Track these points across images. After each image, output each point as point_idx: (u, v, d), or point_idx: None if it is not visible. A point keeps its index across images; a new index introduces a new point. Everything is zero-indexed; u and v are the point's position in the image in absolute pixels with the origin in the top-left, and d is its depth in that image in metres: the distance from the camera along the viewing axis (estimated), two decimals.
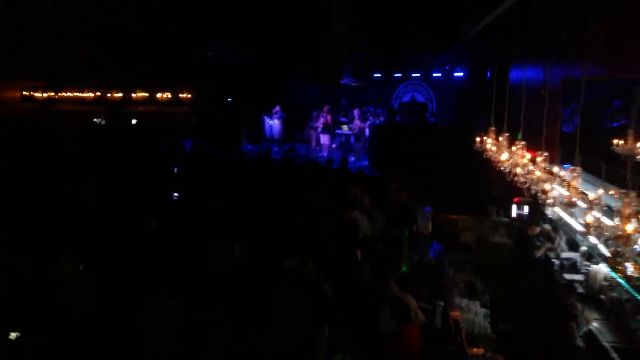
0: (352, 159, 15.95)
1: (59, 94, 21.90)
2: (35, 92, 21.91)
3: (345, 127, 16.92)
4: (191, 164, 12.90)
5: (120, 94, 21.18)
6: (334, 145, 17.09)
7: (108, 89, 21.30)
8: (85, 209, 7.70)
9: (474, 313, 6.77)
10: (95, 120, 20.36)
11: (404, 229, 7.98)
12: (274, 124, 17.95)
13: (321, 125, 16.59)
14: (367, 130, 16.28)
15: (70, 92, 21.80)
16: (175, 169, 12.41)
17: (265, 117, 18.12)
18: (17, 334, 4.40)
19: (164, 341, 4.37)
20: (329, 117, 16.58)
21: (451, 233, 10.25)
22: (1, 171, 10.45)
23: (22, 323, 4.55)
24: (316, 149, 16.96)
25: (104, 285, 5.15)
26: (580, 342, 6.32)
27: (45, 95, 21.94)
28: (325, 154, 16.24)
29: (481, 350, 6.10)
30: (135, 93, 20.95)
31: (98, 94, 21.51)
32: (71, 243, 5.70)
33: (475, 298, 7.32)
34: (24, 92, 21.99)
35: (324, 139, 16.68)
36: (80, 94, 21.76)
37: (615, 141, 7.61)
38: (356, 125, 16.53)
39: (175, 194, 9.69)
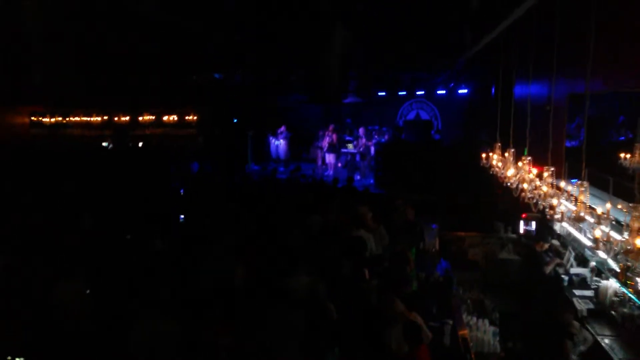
0: (358, 177, 15.94)
1: (67, 119, 22.12)
2: (44, 117, 22.12)
3: (350, 145, 16.97)
4: (197, 186, 12.93)
5: (127, 118, 21.36)
6: (339, 164, 17.12)
7: (115, 113, 21.49)
8: (89, 233, 7.70)
9: (482, 331, 6.69)
10: (104, 144, 20.57)
11: (410, 246, 7.91)
12: (279, 144, 18.04)
13: (327, 145, 16.63)
14: (372, 149, 16.30)
15: (77, 116, 22.00)
16: (182, 191, 12.45)
17: (271, 138, 18.21)
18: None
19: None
20: (334, 136, 16.64)
21: (458, 250, 10.18)
22: (9, 196, 10.51)
23: (23, 343, 4.53)
24: (322, 168, 16.98)
25: (103, 306, 5.13)
26: None
27: (53, 120, 22.15)
28: (331, 172, 16.25)
29: None
30: (142, 116, 21.12)
31: (105, 117, 21.70)
32: (73, 266, 5.68)
33: (484, 316, 7.23)
34: (32, 118, 22.22)
35: (330, 158, 16.71)
36: (88, 118, 21.95)
37: (622, 155, 7.58)
38: (362, 143, 16.57)
39: (182, 216, 9.70)
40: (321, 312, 5.11)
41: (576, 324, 6.39)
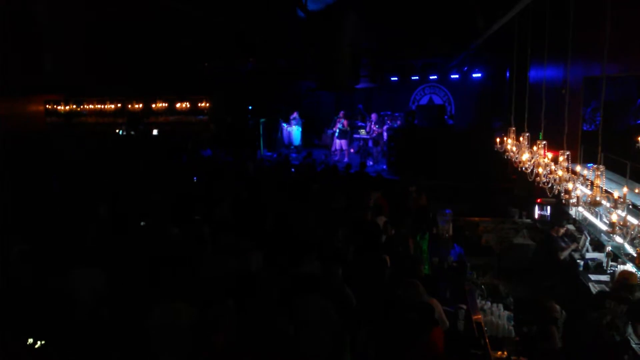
0: (371, 163, 15.92)
1: (81, 107, 22.29)
2: (58, 105, 22.31)
3: (363, 131, 16.91)
4: (209, 173, 12.97)
5: (141, 105, 21.47)
6: (352, 150, 17.08)
7: (128, 100, 21.60)
8: (104, 220, 7.77)
9: (497, 316, 6.69)
10: (122, 131, 20.72)
11: (423, 232, 7.90)
12: (291, 130, 18.03)
13: (337, 131, 16.58)
14: (385, 134, 16.24)
15: (92, 104, 22.17)
16: (195, 178, 12.50)
17: (283, 124, 18.21)
18: (42, 342, 4.45)
19: (176, 349, 4.37)
20: (344, 122, 16.58)
21: (472, 235, 10.15)
22: (22, 184, 10.63)
23: (39, 332, 4.60)
24: (335, 154, 16.97)
25: (120, 293, 5.18)
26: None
27: (67, 108, 22.33)
28: (346, 159, 16.22)
29: (505, 354, 6.02)
30: (155, 104, 21.21)
31: (119, 105, 21.83)
32: (87, 255, 5.73)
33: (499, 300, 7.23)
34: (47, 106, 22.41)
35: (342, 144, 16.67)
36: (102, 106, 22.11)
37: (639, 139, 7.49)
38: (374, 129, 16.51)
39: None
40: (340, 298, 5.10)
41: (557, 307, 6.39)
